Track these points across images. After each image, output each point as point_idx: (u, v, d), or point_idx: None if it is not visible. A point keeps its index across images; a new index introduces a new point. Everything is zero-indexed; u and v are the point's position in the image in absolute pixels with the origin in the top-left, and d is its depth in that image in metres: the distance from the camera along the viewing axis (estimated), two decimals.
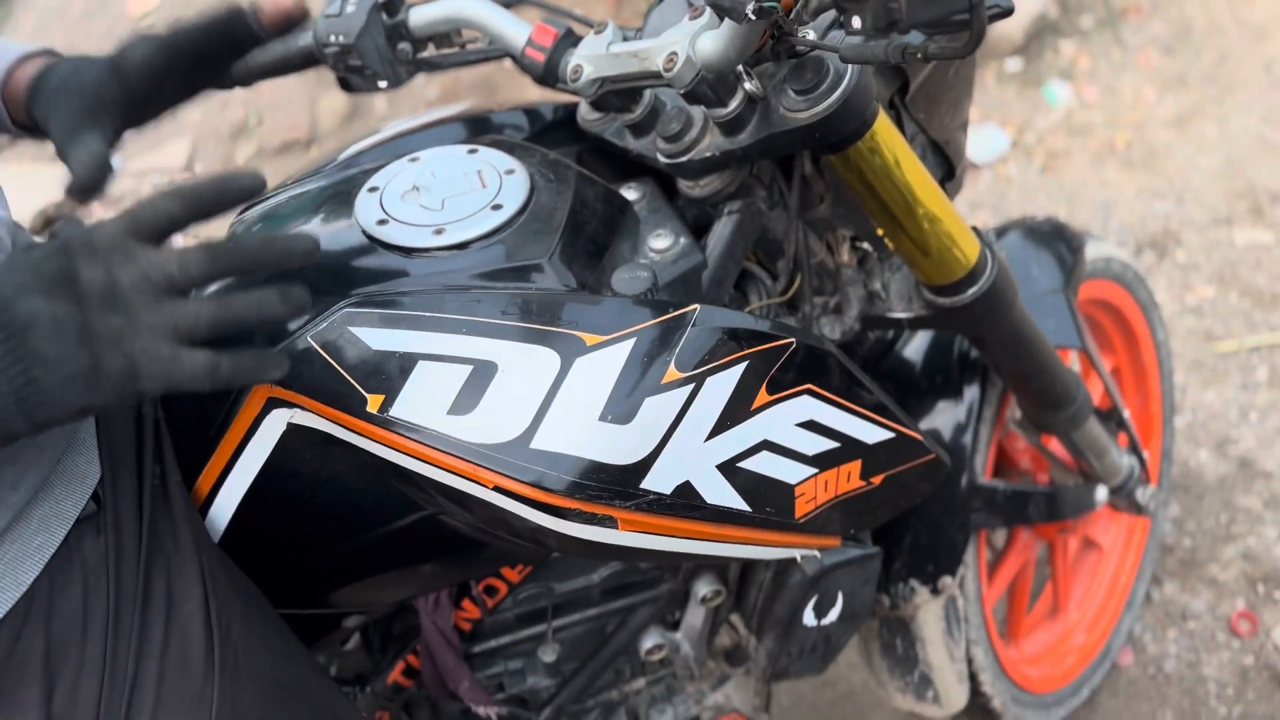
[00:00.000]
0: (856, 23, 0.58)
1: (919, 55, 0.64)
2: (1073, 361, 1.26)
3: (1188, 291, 2.00)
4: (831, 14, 0.75)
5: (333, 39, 0.88)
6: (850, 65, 0.72)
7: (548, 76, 0.82)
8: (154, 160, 2.73)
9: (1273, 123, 2.29)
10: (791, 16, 0.68)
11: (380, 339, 0.67)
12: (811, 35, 0.72)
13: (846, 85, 0.74)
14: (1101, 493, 1.23)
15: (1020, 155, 2.32)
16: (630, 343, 0.70)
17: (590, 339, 0.69)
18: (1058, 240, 1.24)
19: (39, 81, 0.74)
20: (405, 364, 0.66)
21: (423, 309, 0.69)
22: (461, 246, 0.74)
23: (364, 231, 0.76)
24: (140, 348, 0.54)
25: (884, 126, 0.79)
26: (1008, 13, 0.88)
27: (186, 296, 0.57)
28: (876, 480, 0.90)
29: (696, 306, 0.74)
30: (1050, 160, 2.30)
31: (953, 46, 0.61)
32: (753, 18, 0.66)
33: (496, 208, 0.77)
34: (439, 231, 0.75)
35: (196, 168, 2.72)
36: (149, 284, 0.55)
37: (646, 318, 0.72)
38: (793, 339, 0.78)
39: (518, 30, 0.84)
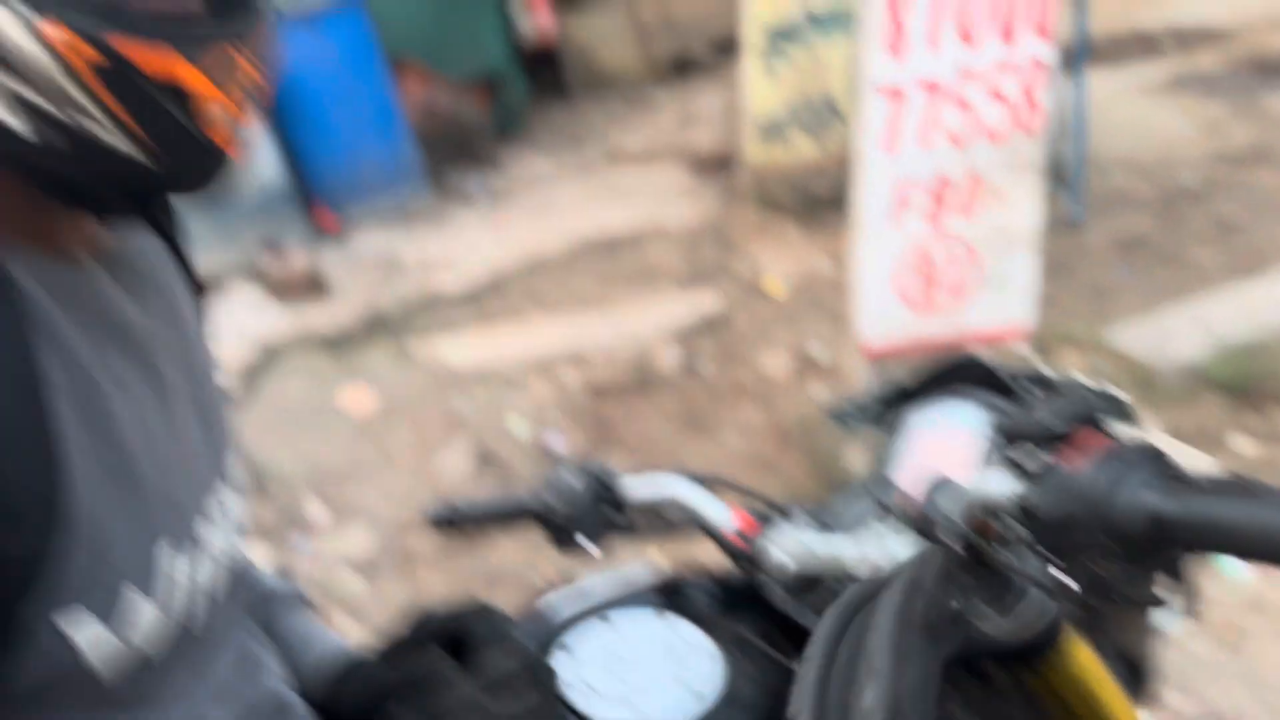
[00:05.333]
0: (1067, 581, 0.62)
1: (1124, 601, 0.67)
2: None
3: None
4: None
5: (552, 503, 0.98)
6: (1043, 590, 0.75)
7: (747, 562, 0.88)
8: (338, 546, 2.93)
9: None
10: (991, 544, 0.72)
11: None
12: (1007, 555, 0.76)
13: (1041, 608, 0.76)
14: None
15: (1200, 628, 2.21)
16: None
17: None
18: None
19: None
20: None
21: None
22: None
23: None
24: None
25: (1072, 640, 0.80)
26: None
27: None
28: None
29: None
30: (1234, 637, 2.18)
31: (1172, 617, 0.64)
32: (956, 548, 0.71)
33: (697, 695, 0.79)
34: (627, 705, 0.77)
35: (379, 558, 2.90)
36: None
37: None
38: None
39: (720, 513, 0.92)
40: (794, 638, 0.95)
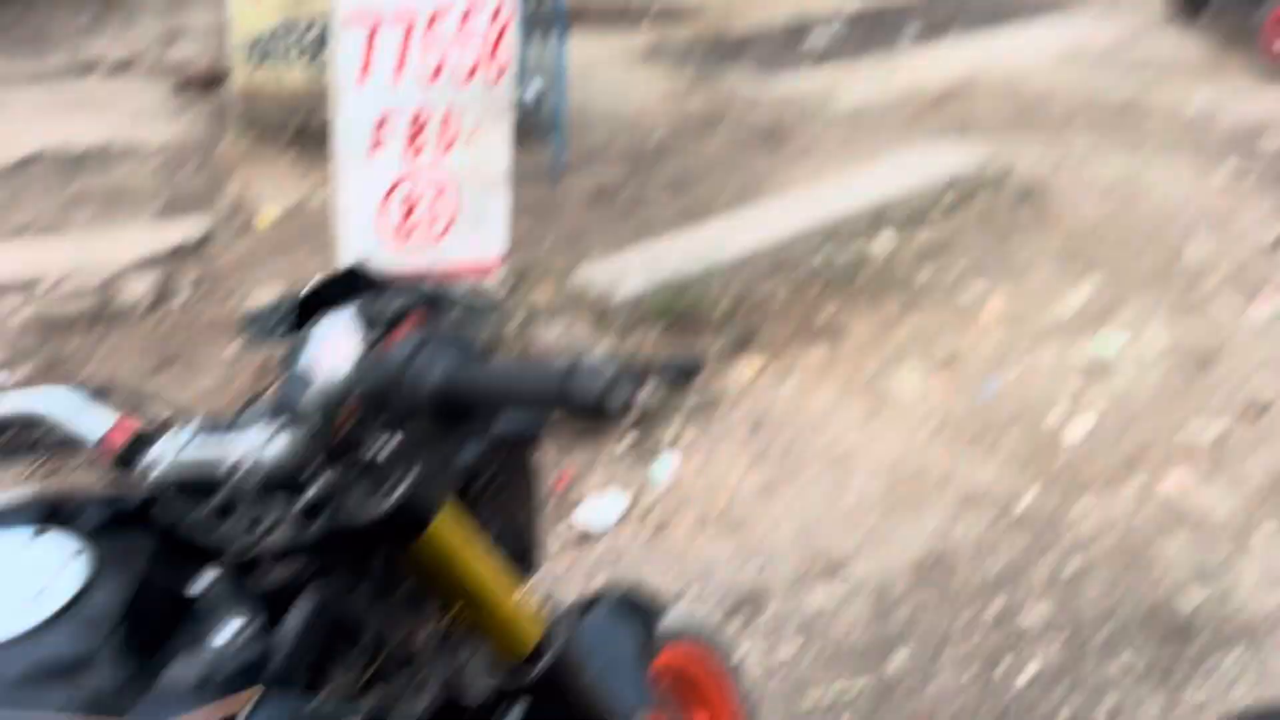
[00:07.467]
0: (393, 443, 0.69)
1: (448, 468, 0.76)
2: None
3: (778, 645, 2.23)
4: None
5: None
6: (407, 470, 0.83)
7: (119, 468, 0.85)
8: None
9: (834, 496, 2.73)
10: (344, 431, 0.78)
11: None
12: (373, 447, 0.82)
13: (406, 486, 0.83)
14: None
15: (635, 521, 2.57)
16: None
17: None
18: (639, 609, 1.38)
19: None
20: None
21: None
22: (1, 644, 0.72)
23: None
24: None
25: (445, 522, 0.89)
26: (535, 436, 1.05)
27: None
28: None
29: (256, 692, 0.75)
30: (660, 525, 2.56)
31: (474, 465, 0.74)
32: (313, 432, 0.75)
33: (45, 598, 0.76)
34: None
35: None
36: None
37: (198, 705, 0.72)
38: None
39: (95, 425, 0.88)
40: (190, 546, 0.94)
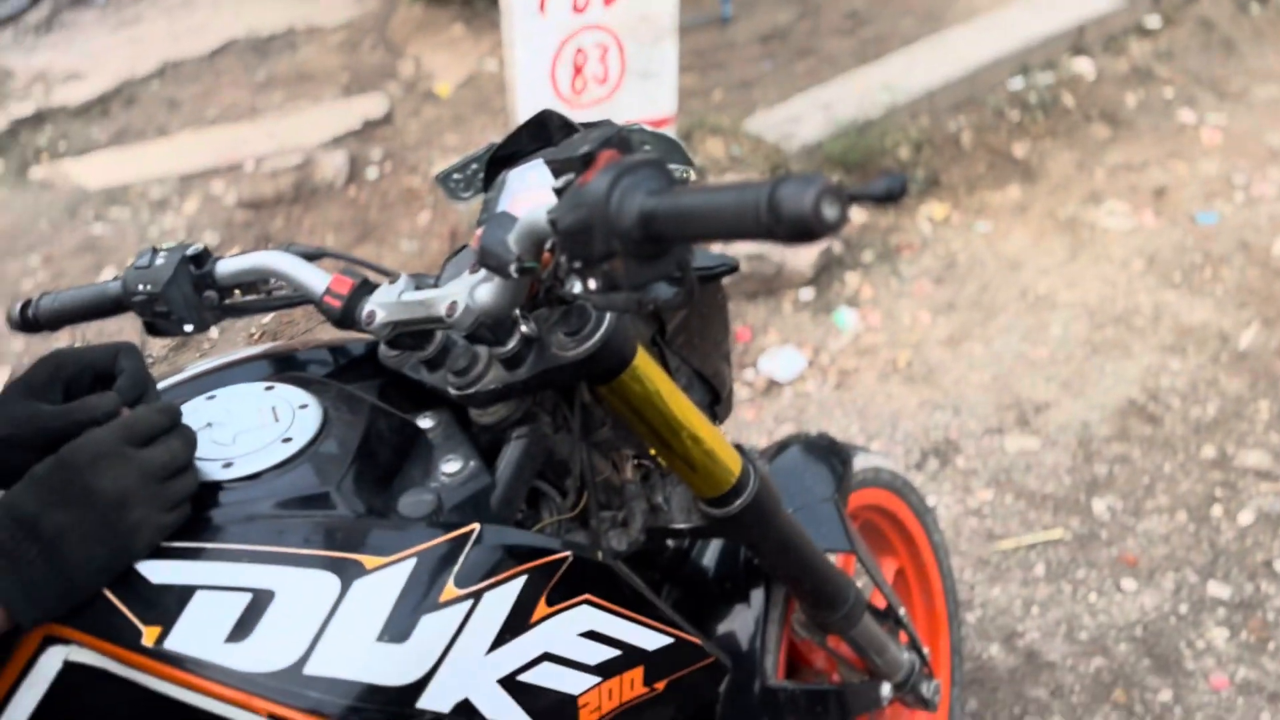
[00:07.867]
0: (592, 283, 0.70)
1: (648, 307, 0.76)
2: (857, 570, 1.36)
3: (969, 495, 2.19)
4: None
5: (141, 288, 0.95)
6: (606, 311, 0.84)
7: (344, 320, 0.91)
8: None
9: (1030, 341, 2.61)
10: (545, 275, 0.79)
11: (160, 572, 0.70)
12: (573, 288, 0.83)
13: (606, 328, 0.85)
14: (886, 689, 1.31)
15: (816, 374, 2.55)
16: (411, 563, 0.76)
17: (371, 561, 0.74)
18: (830, 454, 1.38)
19: None
20: (183, 595, 0.69)
21: (205, 540, 0.73)
22: (250, 478, 0.79)
23: None
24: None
25: (644, 361, 0.90)
26: (733, 269, 1.04)
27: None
28: (660, 686, 0.95)
29: (476, 526, 0.80)
30: (843, 378, 2.53)
31: (674, 300, 0.74)
32: (516, 276, 0.77)
33: (286, 440, 0.82)
34: (228, 465, 0.80)
35: None
36: (151, 480, 0.70)
37: (428, 538, 0.78)
38: (569, 552, 0.85)
39: (318, 280, 0.93)
40: (410, 391, 1.00)
